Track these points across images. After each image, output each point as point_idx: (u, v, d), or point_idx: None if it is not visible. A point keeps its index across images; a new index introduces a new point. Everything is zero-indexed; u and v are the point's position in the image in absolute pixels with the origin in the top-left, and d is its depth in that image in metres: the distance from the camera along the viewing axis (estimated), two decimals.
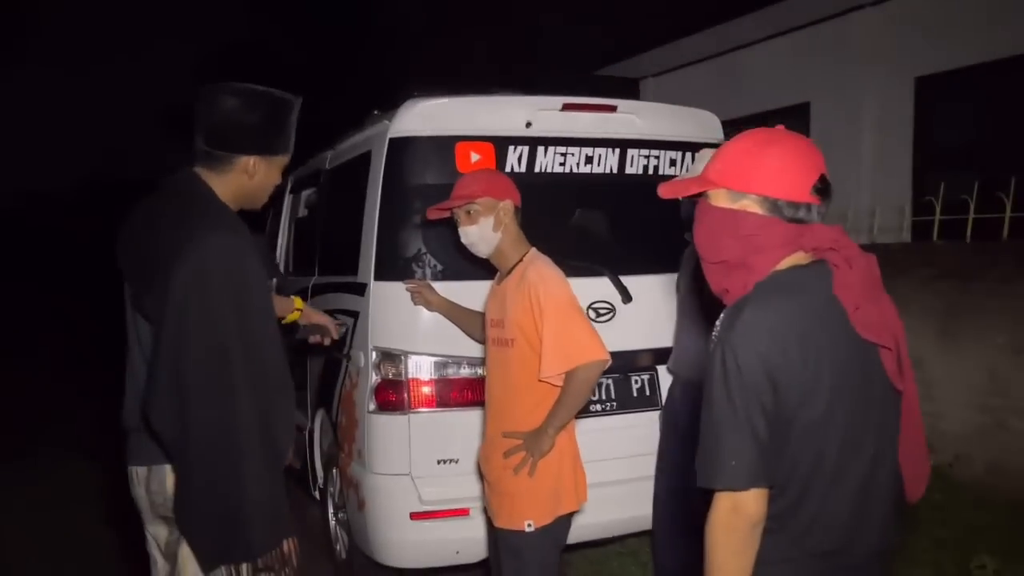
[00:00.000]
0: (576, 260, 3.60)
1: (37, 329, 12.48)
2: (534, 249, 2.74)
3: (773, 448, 1.51)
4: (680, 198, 1.77)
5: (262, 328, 2.01)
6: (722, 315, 1.60)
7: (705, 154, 3.36)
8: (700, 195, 1.70)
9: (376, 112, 4.23)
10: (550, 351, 2.54)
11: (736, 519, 1.51)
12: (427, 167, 3.56)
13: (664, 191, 1.74)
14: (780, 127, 1.68)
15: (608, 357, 2.57)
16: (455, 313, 3.26)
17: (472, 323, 3.18)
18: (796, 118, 8.48)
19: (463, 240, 2.76)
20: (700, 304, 3.24)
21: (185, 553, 2.11)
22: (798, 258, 1.62)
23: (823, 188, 1.60)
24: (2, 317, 11.67)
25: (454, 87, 3.78)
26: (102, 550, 4.39)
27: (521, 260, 2.70)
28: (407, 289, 3.37)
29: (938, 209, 5.47)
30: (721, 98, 8.95)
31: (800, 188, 1.58)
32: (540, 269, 2.63)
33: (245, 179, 2.17)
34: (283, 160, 2.23)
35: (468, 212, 2.69)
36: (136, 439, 2.21)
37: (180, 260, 1.90)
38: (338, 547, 4.17)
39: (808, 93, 8.38)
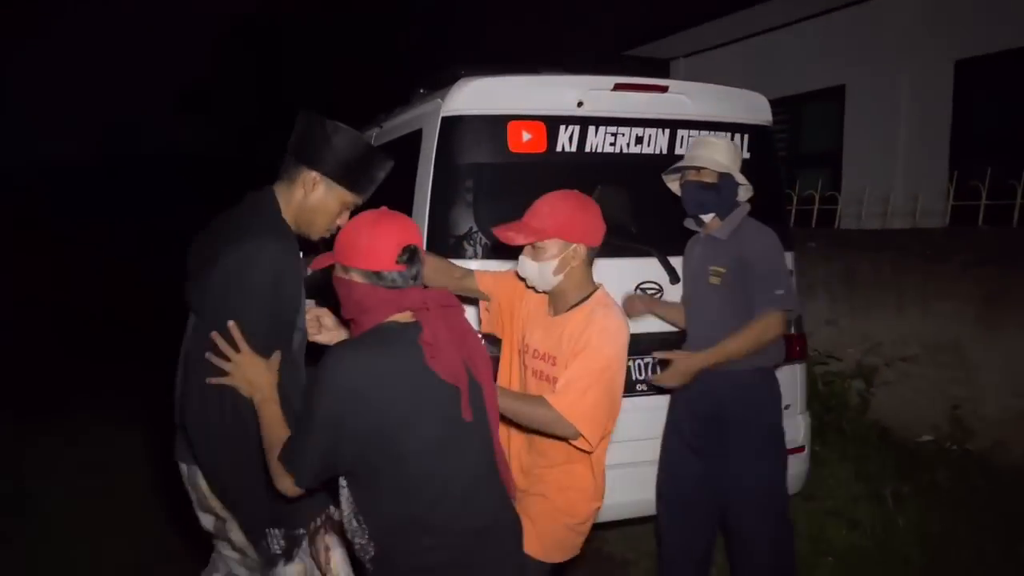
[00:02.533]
0: (625, 240, 3.63)
1: (68, 294, 12.56)
2: (601, 289, 2.52)
3: (339, 454, 1.89)
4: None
5: (282, 335, 2.19)
6: (329, 350, 1.96)
7: (702, 140, 3.36)
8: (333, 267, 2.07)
9: (422, 91, 4.26)
10: (562, 389, 2.36)
11: (279, 484, 1.94)
12: (479, 146, 3.57)
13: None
14: (383, 209, 2.05)
15: (590, 449, 2.40)
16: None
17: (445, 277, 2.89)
18: (830, 101, 8.43)
19: (519, 269, 2.53)
20: (703, 294, 3.25)
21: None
22: (403, 317, 1.99)
23: (408, 257, 1.98)
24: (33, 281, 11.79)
25: (493, 67, 3.79)
26: (146, 513, 4.51)
27: (586, 299, 2.47)
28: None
29: (984, 194, 5.44)
30: (753, 80, 8.85)
31: (387, 259, 1.96)
32: (605, 325, 2.39)
33: (301, 194, 2.25)
34: (345, 195, 2.29)
35: (533, 246, 2.45)
36: (181, 436, 2.30)
37: (222, 259, 2.07)
38: None
39: (843, 76, 8.30)
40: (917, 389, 5.13)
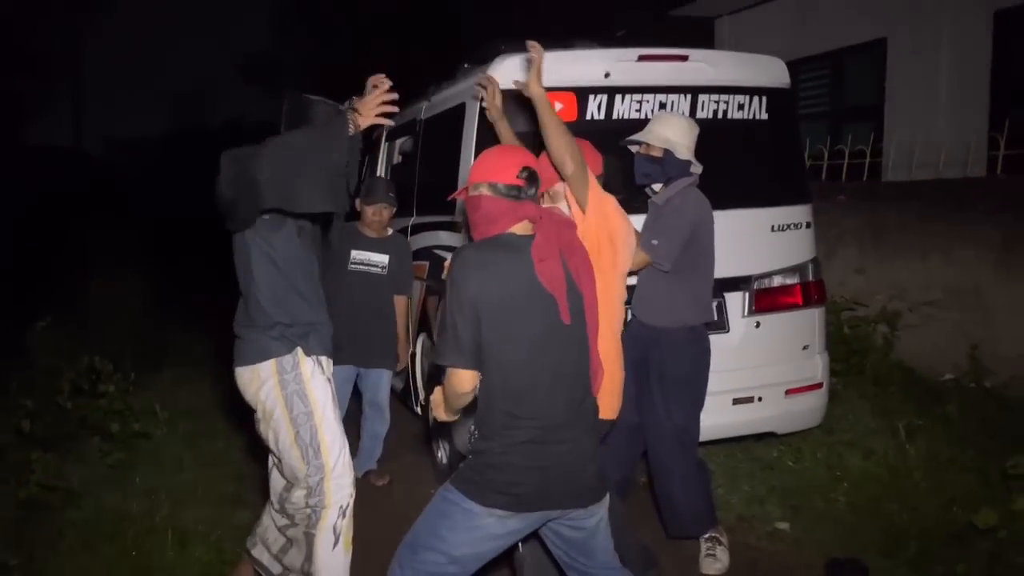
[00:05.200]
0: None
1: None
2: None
3: (478, 345, 2.28)
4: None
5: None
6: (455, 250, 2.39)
7: (658, 117, 3.66)
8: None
9: (467, 66, 4.68)
10: None
11: (452, 385, 2.33)
12: (516, 117, 3.97)
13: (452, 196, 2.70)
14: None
15: None
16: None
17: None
18: (872, 54, 8.52)
19: None
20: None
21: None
22: (522, 230, 2.40)
23: (527, 175, 2.41)
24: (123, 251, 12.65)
25: (537, 37, 4.17)
26: (238, 451, 5.13)
27: None
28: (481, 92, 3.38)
29: (1002, 144, 5.63)
30: (796, 36, 9.02)
31: (509, 173, 2.39)
32: None
33: None
34: None
35: (549, 197, 3.07)
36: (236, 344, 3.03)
37: None
38: (439, 454, 4.77)
39: (885, 29, 8.39)
40: (940, 332, 5.41)
